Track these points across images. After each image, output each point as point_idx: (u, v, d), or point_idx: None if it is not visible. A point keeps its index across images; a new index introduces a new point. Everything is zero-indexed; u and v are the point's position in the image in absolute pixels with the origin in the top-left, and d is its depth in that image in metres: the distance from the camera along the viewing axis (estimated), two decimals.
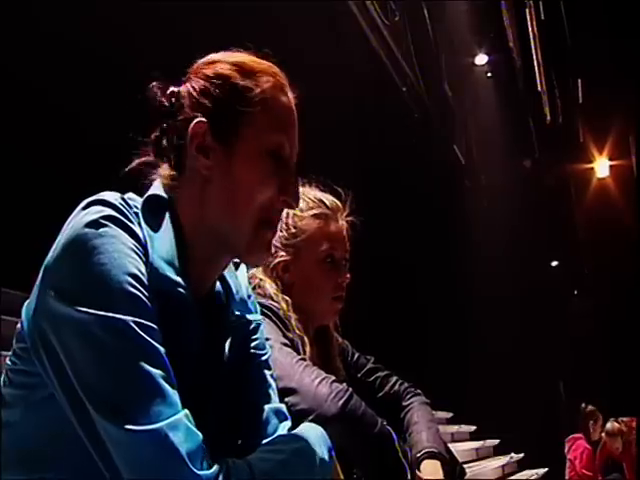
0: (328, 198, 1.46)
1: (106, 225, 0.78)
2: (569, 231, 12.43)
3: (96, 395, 0.73)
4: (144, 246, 0.82)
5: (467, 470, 1.52)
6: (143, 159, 0.93)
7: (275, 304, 1.35)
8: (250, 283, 1.39)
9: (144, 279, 0.78)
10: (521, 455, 7.19)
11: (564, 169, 12.29)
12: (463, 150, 9.81)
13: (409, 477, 1.19)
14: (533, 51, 10.26)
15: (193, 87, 0.90)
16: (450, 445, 1.51)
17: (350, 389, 1.21)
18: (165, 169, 0.91)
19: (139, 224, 0.83)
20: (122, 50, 3.04)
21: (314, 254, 1.41)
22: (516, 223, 10.04)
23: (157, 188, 0.90)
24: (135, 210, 0.85)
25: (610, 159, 12.05)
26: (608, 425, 6.07)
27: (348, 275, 1.43)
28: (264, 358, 1.02)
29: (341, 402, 1.17)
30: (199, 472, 0.72)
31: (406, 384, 1.58)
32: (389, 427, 1.23)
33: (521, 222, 10.27)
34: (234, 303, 0.97)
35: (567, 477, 6.05)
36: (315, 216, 1.42)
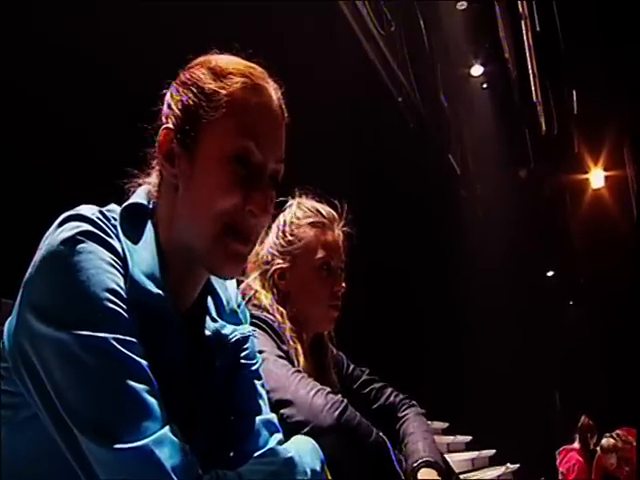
0: (325, 208, 1.48)
1: (82, 241, 0.77)
2: (564, 241, 12.45)
3: (79, 415, 0.72)
4: (123, 260, 0.80)
5: None
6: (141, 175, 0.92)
7: (270, 316, 1.35)
8: (245, 294, 1.40)
9: (123, 294, 0.77)
10: (517, 465, 7.17)
11: (559, 179, 12.34)
12: (458, 160, 9.84)
13: None
14: (528, 62, 10.32)
15: (171, 93, 0.89)
16: (446, 455, 1.50)
17: (345, 400, 1.21)
18: (153, 177, 0.90)
19: (117, 237, 0.82)
20: (119, 54, 3.04)
21: (310, 262, 1.42)
22: (511, 233, 10.06)
23: (138, 196, 0.89)
24: (114, 222, 0.83)
25: (605, 170, 12.10)
26: (603, 441, 6.05)
27: (344, 284, 1.44)
28: (254, 368, 1.01)
29: (336, 413, 1.17)
30: None
31: (401, 395, 1.58)
32: (384, 437, 1.22)
33: (516, 232, 10.30)
34: (224, 315, 0.96)
35: None
36: (312, 224, 1.44)
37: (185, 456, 0.73)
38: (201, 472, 0.75)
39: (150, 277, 0.82)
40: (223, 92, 0.84)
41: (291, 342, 1.35)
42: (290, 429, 1.12)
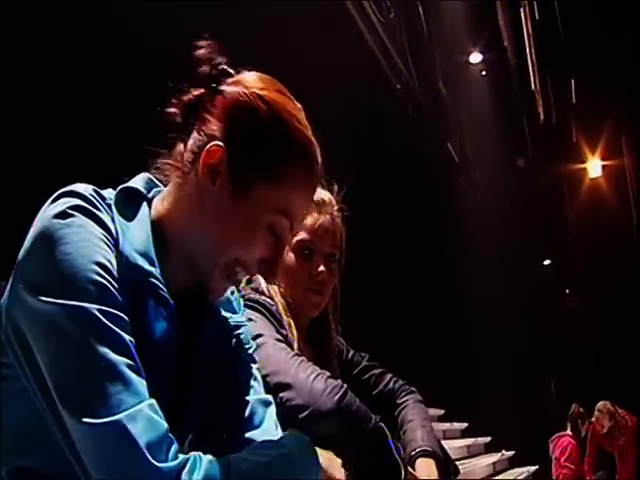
0: (318, 192, 1.44)
1: (73, 215, 0.78)
2: (561, 230, 12.47)
3: (59, 387, 0.72)
4: (114, 236, 0.81)
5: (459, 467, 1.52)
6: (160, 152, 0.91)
7: (268, 300, 1.35)
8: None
9: (112, 269, 0.78)
10: (512, 453, 7.22)
11: (557, 169, 12.33)
12: (457, 148, 9.81)
13: (403, 474, 1.19)
14: (527, 50, 10.27)
15: (234, 100, 0.87)
16: (442, 442, 1.51)
17: (345, 385, 1.21)
18: (166, 160, 0.90)
19: (110, 214, 0.82)
20: (121, 48, 3.03)
21: (291, 243, 1.41)
22: (509, 221, 10.06)
23: (135, 181, 0.90)
24: (108, 202, 0.84)
25: (603, 159, 12.10)
26: (599, 404, 6.12)
27: (322, 269, 1.40)
28: (248, 352, 1.02)
29: (336, 397, 1.16)
30: (160, 464, 0.70)
31: (400, 382, 1.58)
32: (382, 424, 1.22)
33: (514, 221, 10.30)
34: (219, 303, 0.97)
35: (553, 476, 6.08)
36: None
37: (161, 434, 0.72)
38: (180, 452, 0.74)
39: (143, 254, 0.83)
40: (287, 165, 0.85)
41: (287, 327, 1.36)
42: (289, 412, 1.14)
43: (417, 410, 1.51)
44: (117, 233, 0.81)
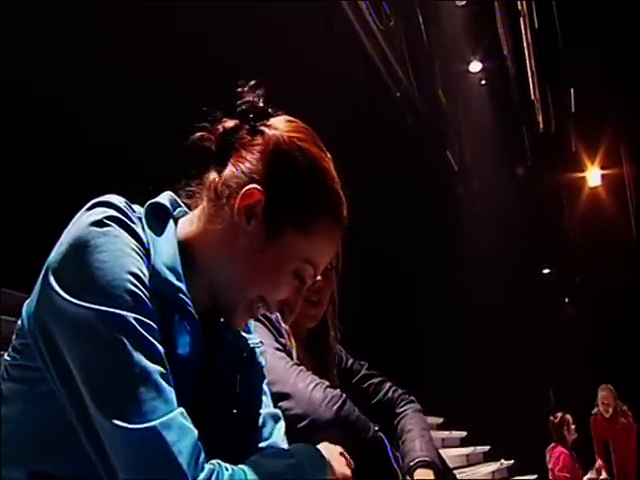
0: None
1: (109, 225, 0.79)
2: (561, 239, 12.48)
3: (93, 390, 0.73)
4: (147, 248, 0.83)
5: (458, 476, 1.52)
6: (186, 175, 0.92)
7: None
8: None
9: (145, 279, 0.79)
10: (511, 461, 7.20)
11: (556, 177, 12.35)
12: (456, 156, 9.84)
13: None
14: (527, 59, 10.31)
15: (279, 146, 0.89)
16: (441, 451, 1.50)
17: (344, 395, 1.20)
18: (198, 186, 0.92)
19: (142, 227, 0.84)
20: (124, 50, 3.03)
21: None
22: (508, 230, 10.07)
23: (162, 198, 0.92)
24: (138, 215, 0.86)
25: (602, 168, 12.12)
26: (600, 388, 6.13)
27: (318, 277, 1.40)
28: (261, 368, 1.04)
29: (335, 407, 1.17)
30: (191, 472, 0.72)
31: (400, 391, 1.58)
32: (381, 433, 1.22)
33: (513, 229, 10.31)
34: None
35: None
36: None
37: (193, 442, 0.74)
38: (205, 460, 0.76)
39: (171, 269, 0.84)
40: (317, 219, 0.88)
41: (286, 336, 1.36)
42: (288, 422, 1.13)
43: (416, 419, 1.50)
44: (148, 246, 0.83)
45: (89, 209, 0.82)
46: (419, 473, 1.33)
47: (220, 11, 3.81)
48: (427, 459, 1.37)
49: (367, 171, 6.19)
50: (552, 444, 6.11)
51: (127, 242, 0.80)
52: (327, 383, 1.22)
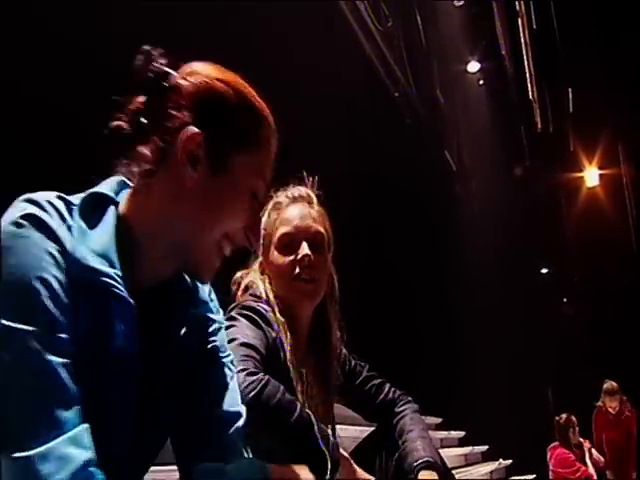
0: (291, 189, 1.49)
1: (22, 225, 0.78)
2: (559, 239, 12.50)
3: None
4: (63, 245, 0.80)
5: (456, 476, 1.53)
6: (122, 145, 0.90)
7: (264, 306, 1.36)
8: (248, 286, 1.44)
9: (54, 283, 0.77)
10: (509, 461, 7.21)
11: (554, 177, 12.37)
12: (454, 156, 9.85)
13: (329, 463, 1.15)
14: (525, 60, 10.33)
15: (198, 89, 0.89)
16: (439, 451, 1.51)
17: (266, 377, 1.17)
18: (146, 151, 0.88)
19: (68, 225, 0.82)
20: (121, 48, 3.03)
21: (273, 242, 1.44)
22: (506, 230, 10.08)
23: (105, 186, 0.90)
24: (72, 207, 0.84)
25: (600, 168, 12.14)
26: (606, 384, 6.14)
27: (306, 252, 1.39)
28: (226, 360, 1.01)
29: (253, 393, 1.13)
30: None
31: (398, 392, 1.59)
32: (309, 412, 1.19)
33: (511, 229, 10.32)
34: (195, 300, 0.96)
35: None
36: (274, 207, 1.47)
37: (71, 473, 0.69)
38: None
39: (101, 256, 0.82)
40: (262, 132, 0.92)
41: (282, 333, 1.35)
42: None
43: (415, 420, 1.52)
44: (69, 241, 0.81)
45: (14, 206, 0.80)
46: (423, 474, 1.34)
47: (219, 11, 3.81)
48: (430, 460, 1.38)
49: (365, 171, 6.19)
50: (554, 444, 6.10)
51: (38, 243, 0.77)
52: (254, 370, 1.18)
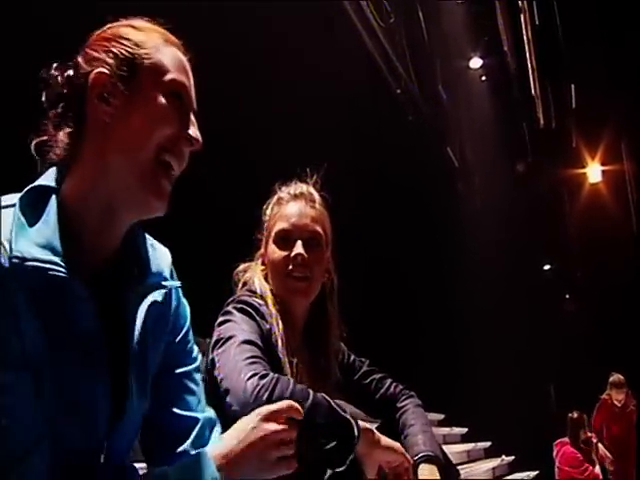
0: (292, 185, 1.52)
1: None
2: (561, 235, 12.48)
3: None
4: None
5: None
6: (44, 137, 0.93)
7: (258, 300, 1.39)
8: (245, 282, 1.46)
9: None
10: (512, 457, 7.22)
11: (557, 174, 12.34)
12: (457, 153, 9.83)
13: (356, 430, 1.17)
14: (527, 56, 10.30)
15: (91, 48, 0.93)
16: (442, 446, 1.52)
17: (276, 376, 1.18)
18: (65, 134, 0.91)
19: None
20: None
21: (272, 237, 1.46)
22: (508, 226, 10.06)
23: (42, 179, 0.90)
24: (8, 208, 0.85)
25: (603, 164, 12.12)
26: (613, 377, 6.15)
27: (300, 251, 1.41)
28: (190, 368, 1.02)
29: (266, 395, 1.15)
30: None
31: (400, 386, 1.59)
32: (322, 394, 1.20)
33: (513, 226, 10.30)
34: (149, 274, 0.96)
35: None
36: (276, 201, 1.50)
37: None
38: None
39: (44, 246, 0.82)
40: (151, 42, 0.94)
41: (275, 324, 1.37)
42: (232, 420, 1.12)
43: (417, 414, 1.52)
44: (6, 242, 0.80)
45: None
46: (423, 468, 1.34)
47: (220, 11, 3.81)
48: (431, 454, 1.39)
49: (368, 168, 6.19)
50: (562, 439, 6.10)
51: None
52: (264, 372, 1.19)
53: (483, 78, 10.13)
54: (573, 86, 11.38)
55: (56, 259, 0.81)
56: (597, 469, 5.94)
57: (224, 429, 1.02)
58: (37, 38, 2.53)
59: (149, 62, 0.91)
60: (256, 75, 4.27)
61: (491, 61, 9.86)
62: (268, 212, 1.50)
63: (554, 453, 6.10)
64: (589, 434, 6.09)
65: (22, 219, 0.83)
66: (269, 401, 1.12)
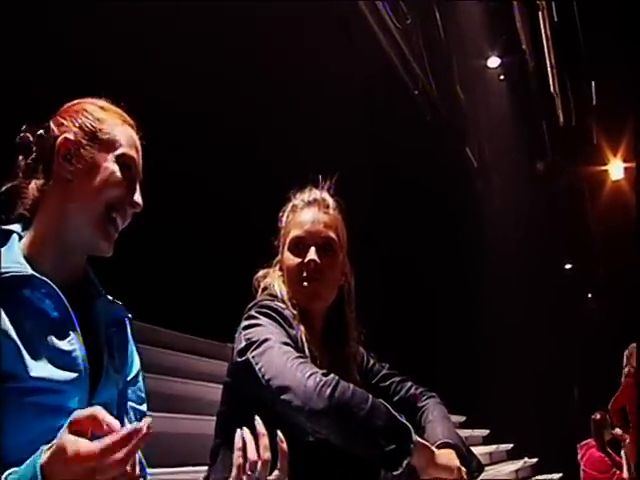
0: (308, 193, 1.54)
1: None
2: (582, 234, 12.34)
3: None
4: None
5: (481, 476, 1.51)
6: (15, 182, 1.11)
7: (280, 304, 1.42)
8: (258, 286, 1.51)
9: None
10: (535, 460, 7.15)
11: (578, 171, 12.20)
12: (475, 152, 9.78)
13: (413, 436, 1.21)
14: (546, 53, 10.21)
15: (61, 116, 1.13)
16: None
17: (337, 377, 1.23)
18: (34, 184, 1.10)
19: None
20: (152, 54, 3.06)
21: (286, 243, 1.50)
22: (528, 226, 9.98)
23: (7, 226, 1.09)
24: None
25: (624, 161, 11.94)
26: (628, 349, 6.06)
27: (313, 257, 1.44)
28: (140, 408, 1.17)
29: (328, 392, 1.20)
30: None
31: (421, 388, 1.59)
32: (380, 400, 1.24)
33: (534, 225, 10.22)
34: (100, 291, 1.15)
35: None
36: (291, 209, 1.53)
37: None
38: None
39: (11, 261, 1.01)
40: (110, 120, 1.14)
41: (296, 327, 1.40)
42: (291, 415, 1.20)
43: (437, 411, 1.52)
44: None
45: None
46: (441, 452, 1.33)
47: (237, 11, 3.83)
48: (449, 441, 1.38)
49: (386, 169, 6.18)
50: (587, 441, 6.02)
51: None
52: (324, 371, 1.25)
53: (501, 77, 10.06)
54: (593, 82, 11.25)
55: (19, 266, 1.01)
56: (625, 473, 5.85)
57: (273, 423, 1.08)
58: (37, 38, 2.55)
59: (107, 137, 1.11)
60: (273, 76, 4.28)
61: (509, 60, 9.79)
62: (283, 219, 1.53)
63: (579, 456, 6.02)
64: (618, 430, 5.99)
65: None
66: (331, 397, 1.19)
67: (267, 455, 1.02)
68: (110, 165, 1.10)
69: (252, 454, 1.01)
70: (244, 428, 1.04)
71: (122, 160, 1.11)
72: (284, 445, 1.04)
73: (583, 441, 6.10)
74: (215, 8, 3.58)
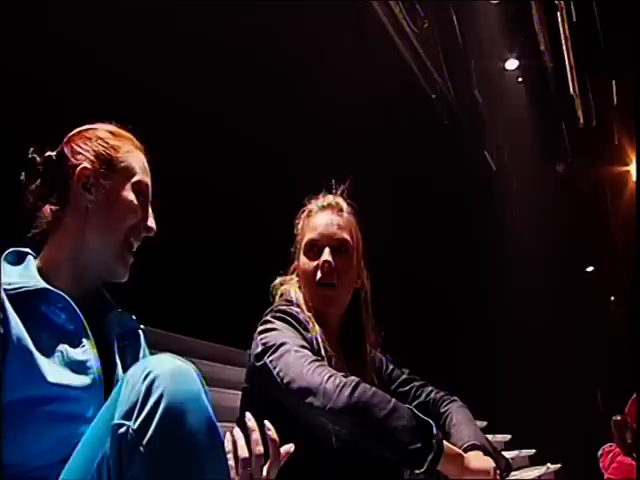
0: (322, 198, 1.58)
1: None
2: (605, 236, 12.18)
3: None
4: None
5: None
6: (26, 206, 1.15)
7: (296, 309, 1.44)
8: (275, 294, 1.54)
9: None
10: (558, 465, 7.06)
11: (599, 172, 12.06)
12: (494, 156, 9.72)
13: (435, 430, 1.21)
14: (565, 54, 10.11)
15: (77, 144, 1.17)
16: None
17: (357, 379, 1.24)
18: (48, 209, 1.14)
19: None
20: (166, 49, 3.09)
21: (302, 248, 1.53)
22: (550, 229, 9.89)
23: (20, 248, 1.13)
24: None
25: None
26: None
27: (327, 258, 1.46)
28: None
29: (347, 393, 1.21)
30: None
31: (442, 392, 1.59)
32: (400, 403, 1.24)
33: (555, 227, 10.12)
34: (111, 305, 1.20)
35: None
36: (306, 214, 1.57)
37: None
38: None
39: (27, 277, 1.06)
40: (125, 148, 1.19)
41: (313, 330, 1.42)
42: (312, 416, 1.23)
43: (461, 414, 1.52)
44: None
45: None
46: (470, 455, 1.32)
47: (253, 15, 3.86)
48: (477, 442, 1.39)
49: (403, 174, 6.17)
50: (609, 444, 5.93)
51: None
52: (342, 374, 1.26)
53: (520, 79, 9.99)
54: (614, 82, 11.12)
55: (37, 282, 1.05)
56: None
57: (293, 426, 1.14)
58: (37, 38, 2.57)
59: (123, 164, 1.16)
60: (289, 82, 4.30)
61: (528, 62, 9.72)
62: (299, 225, 1.57)
63: (601, 462, 5.92)
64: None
65: (7, 267, 1.07)
66: (351, 396, 1.20)
67: (258, 449, 1.03)
68: (128, 194, 1.15)
69: (242, 451, 1.03)
70: (234, 428, 1.06)
71: (137, 187, 1.17)
72: (271, 433, 1.07)
73: (605, 447, 6.01)
74: (226, 8, 3.60)
